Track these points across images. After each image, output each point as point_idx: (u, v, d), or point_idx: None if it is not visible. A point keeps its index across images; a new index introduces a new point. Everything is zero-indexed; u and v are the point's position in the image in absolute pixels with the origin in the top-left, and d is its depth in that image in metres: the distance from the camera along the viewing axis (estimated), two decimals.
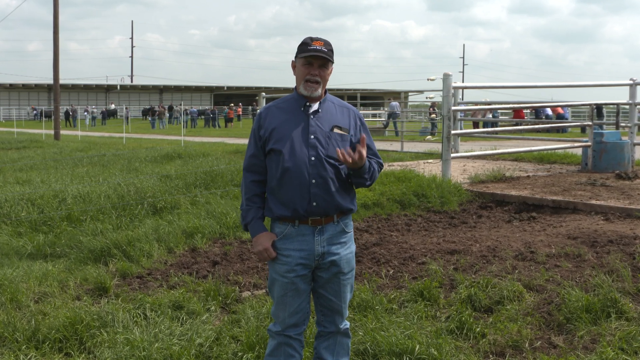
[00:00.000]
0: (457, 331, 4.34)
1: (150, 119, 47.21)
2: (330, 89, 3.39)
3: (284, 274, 3.23)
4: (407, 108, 33.12)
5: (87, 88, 68.86)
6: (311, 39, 3.24)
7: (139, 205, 8.55)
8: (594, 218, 7.69)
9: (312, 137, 3.20)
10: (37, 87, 65.82)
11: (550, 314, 4.58)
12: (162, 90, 71.80)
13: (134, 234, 6.93)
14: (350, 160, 3.12)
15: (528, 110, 27.37)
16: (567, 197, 8.62)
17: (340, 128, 3.26)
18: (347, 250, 3.32)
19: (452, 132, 10.52)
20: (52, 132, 29.46)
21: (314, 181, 3.17)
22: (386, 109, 30.28)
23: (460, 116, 18.05)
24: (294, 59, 3.32)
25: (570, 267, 5.62)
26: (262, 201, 3.32)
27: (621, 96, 39.92)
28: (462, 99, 27.25)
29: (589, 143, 11.65)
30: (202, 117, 51.48)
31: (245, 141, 20.70)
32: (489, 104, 23.17)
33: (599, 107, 23.28)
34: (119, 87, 70.18)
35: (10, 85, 64.26)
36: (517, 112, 26.31)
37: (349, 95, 46.54)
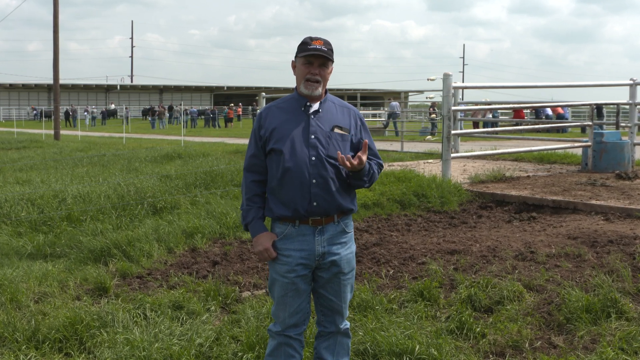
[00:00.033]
0: (457, 331, 4.34)
1: (150, 119, 47.21)
2: (330, 89, 3.39)
3: (285, 274, 3.23)
4: (407, 108, 33.12)
5: (87, 88, 68.86)
6: (311, 38, 3.24)
7: (139, 205, 8.55)
8: (594, 218, 7.69)
9: (313, 137, 3.20)
10: (37, 87, 65.83)
11: (550, 314, 4.58)
12: (162, 90, 71.81)
13: (134, 234, 6.93)
14: (349, 165, 3.12)
15: (528, 110, 27.36)
16: (567, 197, 8.62)
17: (340, 128, 3.26)
18: (348, 250, 3.32)
19: (452, 132, 10.52)
20: (52, 132, 29.46)
21: (314, 181, 3.17)
22: (386, 109, 30.28)
23: (460, 116, 18.06)
24: (294, 59, 3.32)
25: (570, 267, 5.62)
26: (262, 201, 3.32)
27: (621, 96, 40.00)
28: (462, 99, 27.27)
29: (589, 143, 11.65)
30: (202, 117, 51.49)
31: (245, 141, 20.69)
32: (489, 104, 23.17)
33: (599, 107, 23.29)
34: (119, 87, 70.19)
35: (10, 85, 64.27)
36: (517, 112, 26.31)
37: (349, 95, 46.54)
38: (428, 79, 18.49)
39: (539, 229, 7.31)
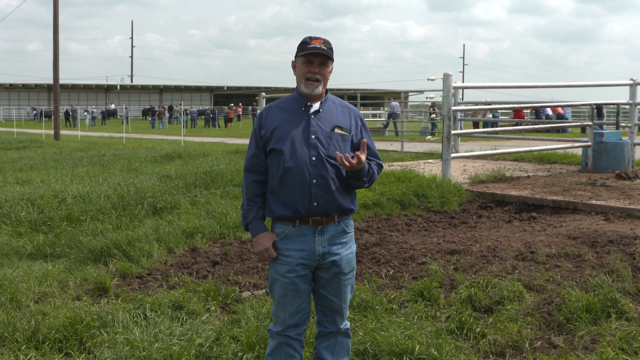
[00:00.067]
0: (457, 331, 4.34)
1: (150, 119, 47.21)
2: (330, 89, 3.39)
3: (285, 274, 3.23)
4: (407, 108, 33.13)
5: (87, 88, 68.86)
6: (310, 38, 3.24)
7: (139, 205, 8.55)
8: (594, 218, 7.69)
9: (313, 137, 3.20)
10: (37, 87, 65.83)
11: (550, 314, 4.58)
12: (162, 90, 71.80)
13: (134, 234, 6.93)
14: (348, 165, 3.12)
15: (528, 110, 27.37)
16: (567, 197, 8.62)
17: (341, 128, 3.26)
18: (348, 250, 3.32)
19: (452, 132, 10.52)
20: (52, 132, 29.46)
21: (314, 181, 3.17)
22: (386, 109, 30.28)
23: (461, 116, 18.05)
24: (294, 59, 3.32)
25: (570, 267, 5.62)
26: (263, 201, 3.31)
27: (621, 96, 40.01)
28: (462, 99, 27.27)
29: (589, 143, 11.65)
30: (202, 117, 51.49)
31: (245, 141, 20.67)
32: (489, 104, 23.17)
33: (599, 107, 23.29)
34: (119, 87, 70.19)
35: (10, 85, 64.26)
36: (517, 112, 26.32)
37: (349, 95, 46.55)
38: (428, 79, 18.51)
39: (539, 229, 7.31)
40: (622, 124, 13.25)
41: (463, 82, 74.06)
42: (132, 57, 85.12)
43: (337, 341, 3.42)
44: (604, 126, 15.67)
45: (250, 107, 56.39)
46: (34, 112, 60.28)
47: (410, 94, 30.68)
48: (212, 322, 4.63)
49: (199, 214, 7.90)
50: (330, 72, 3.29)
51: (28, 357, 4.05)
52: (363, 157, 3.15)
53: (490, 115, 25.91)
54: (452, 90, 10.83)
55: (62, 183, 10.60)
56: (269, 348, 3.36)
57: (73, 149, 19.46)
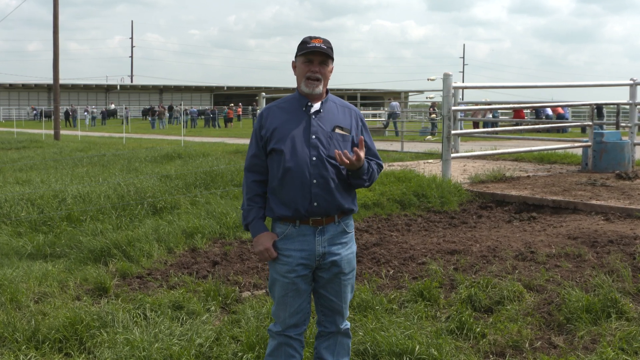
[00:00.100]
0: (457, 331, 4.34)
1: (150, 119, 47.22)
2: (330, 89, 3.39)
3: (285, 274, 3.23)
4: (407, 108, 33.13)
5: (87, 88, 68.86)
6: (310, 37, 3.25)
7: (139, 205, 8.55)
8: (594, 218, 7.69)
9: (314, 137, 3.20)
10: (37, 87, 65.83)
11: (550, 314, 4.58)
12: (162, 90, 71.81)
13: (134, 234, 6.92)
14: (347, 162, 3.12)
15: (528, 110, 27.37)
16: (568, 197, 8.62)
17: (341, 128, 3.26)
18: (348, 250, 3.32)
19: (452, 132, 10.52)
20: (52, 132, 29.46)
21: (315, 181, 3.17)
22: (386, 109, 30.28)
23: (461, 116, 18.05)
24: (294, 59, 3.32)
25: (570, 267, 5.62)
26: (263, 201, 3.31)
27: (621, 96, 39.99)
28: (462, 99, 27.26)
29: (589, 143, 11.65)
30: (202, 117, 51.49)
31: (245, 141, 20.66)
32: (489, 104, 23.17)
33: (599, 107, 23.29)
34: (119, 87, 70.19)
35: (10, 85, 64.26)
36: (517, 112, 26.32)
37: (349, 95, 46.54)
38: (428, 79, 18.50)
39: (539, 229, 7.31)
40: (622, 124, 13.26)
41: (463, 82, 74.07)
42: (132, 57, 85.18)
43: (337, 341, 3.42)
44: (604, 126, 15.67)
45: (250, 107, 56.39)
46: (34, 112, 60.28)
47: (410, 94, 30.70)
48: (212, 322, 4.63)
49: (199, 214, 7.90)
50: (331, 71, 3.29)
51: (28, 357, 4.05)
52: (362, 153, 3.15)
53: (490, 115, 25.91)
54: (452, 90, 10.83)
55: (62, 183, 10.60)
56: (269, 348, 3.36)
57: (73, 149, 19.46)
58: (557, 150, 13.64)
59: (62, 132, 30.74)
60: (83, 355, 4.13)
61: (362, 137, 3.22)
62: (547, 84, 21.55)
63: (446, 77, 10.43)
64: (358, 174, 3.22)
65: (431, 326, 4.43)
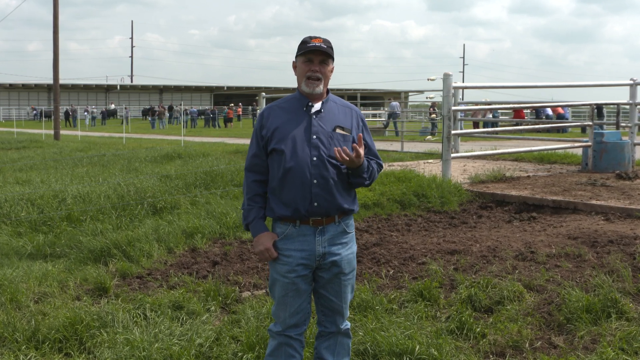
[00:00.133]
0: (457, 331, 4.34)
1: (150, 119, 47.23)
2: (330, 89, 3.38)
3: (285, 274, 3.22)
4: (407, 108, 33.13)
5: (87, 88, 68.85)
6: (310, 37, 3.25)
7: (139, 205, 8.54)
8: (595, 218, 7.69)
9: (315, 137, 3.20)
10: (37, 87, 65.82)
11: (550, 314, 4.57)
12: (162, 90, 71.80)
13: (134, 234, 6.92)
14: (347, 158, 3.12)
15: (528, 110, 27.37)
16: (568, 197, 8.62)
17: (342, 128, 3.26)
18: (348, 250, 3.32)
19: (452, 132, 10.52)
20: (52, 132, 29.46)
21: (315, 181, 3.17)
22: (386, 109, 30.28)
23: (461, 116, 18.05)
24: (294, 60, 3.32)
25: (570, 267, 5.62)
26: (263, 201, 3.31)
27: (621, 96, 39.98)
28: (462, 99, 27.27)
29: (589, 143, 11.65)
30: (202, 117, 51.49)
31: (245, 141, 20.64)
32: (489, 104, 23.16)
33: (599, 107, 23.28)
34: (119, 87, 70.19)
35: (10, 85, 64.25)
36: (517, 112, 26.32)
37: (349, 95, 46.52)
38: (428, 79, 18.49)
39: (539, 229, 7.31)
40: (622, 124, 13.25)
41: (463, 82, 74.06)
42: (132, 57, 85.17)
43: (337, 341, 3.42)
44: (604, 126, 15.66)
45: (250, 107, 56.38)
46: (34, 112, 60.27)
47: (410, 94, 30.70)
48: (212, 322, 4.63)
49: (199, 214, 7.90)
50: (331, 71, 3.29)
51: (28, 357, 4.05)
52: (361, 150, 3.15)
53: (490, 115, 25.91)
54: (452, 90, 10.83)
55: (62, 183, 10.60)
56: (269, 348, 3.36)
57: (73, 149, 19.46)
58: (557, 150, 13.64)
59: (62, 132, 30.75)
60: (83, 355, 4.13)
61: (361, 134, 3.21)
62: (547, 84, 21.55)
63: (446, 77, 10.43)
64: (358, 172, 3.22)
65: (431, 326, 4.43)
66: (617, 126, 13.03)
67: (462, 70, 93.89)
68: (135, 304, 4.93)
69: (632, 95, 12.50)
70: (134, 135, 30.58)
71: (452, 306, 4.78)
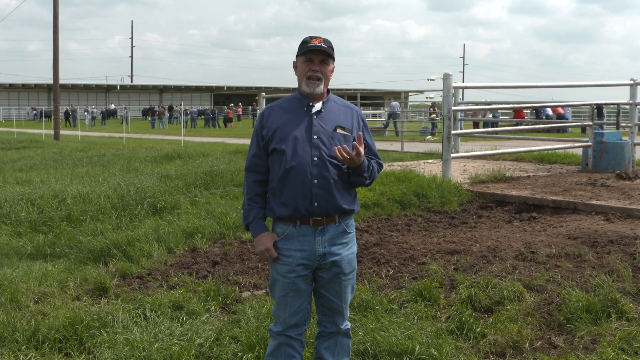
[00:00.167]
0: (457, 331, 4.34)
1: (150, 119, 47.23)
2: (330, 89, 3.38)
3: (285, 274, 3.22)
4: (407, 108, 33.13)
5: (87, 88, 68.85)
6: (310, 37, 3.25)
7: (138, 205, 8.54)
8: (595, 218, 7.69)
9: (315, 137, 3.20)
10: (37, 87, 65.81)
11: (550, 314, 4.57)
12: (162, 90, 71.80)
13: (134, 234, 6.92)
14: (348, 157, 3.11)
15: (528, 110, 27.37)
16: (568, 197, 8.62)
17: (343, 128, 3.26)
18: (349, 250, 3.32)
19: (453, 132, 10.52)
20: (52, 132, 29.46)
21: (316, 181, 3.17)
22: (386, 109, 30.28)
23: (461, 116, 18.06)
24: (294, 60, 3.32)
25: (570, 267, 5.62)
26: (263, 201, 3.31)
27: (621, 96, 39.95)
28: (462, 99, 27.27)
29: (590, 143, 11.65)
30: (202, 117, 51.49)
31: (245, 141, 20.65)
32: (489, 104, 23.16)
33: (599, 107, 23.29)
34: (118, 87, 70.18)
35: (10, 85, 64.25)
36: (518, 112, 26.32)
37: (349, 95, 46.52)
38: (428, 79, 18.49)
39: (539, 229, 7.30)
40: (623, 124, 13.25)
41: (463, 82, 74.06)
42: (132, 57, 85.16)
43: (337, 341, 3.42)
44: (604, 126, 15.66)
45: (250, 107, 56.38)
46: (34, 112, 60.27)
47: (410, 94, 30.72)
48: (212, 322, 4.62)
49: (199, 214, 7.90)
50: (332, 71, 3.29)
51: (28, 357, 4.05)
52: (361, 148, 3.15)
53: (491, 115, 25.91)
54: (452, 90, 10.83)
55: (62, 183, 10.60)
56: (269, 348, 3.36)
57: (73, 149, 19.46)
58: (557, 150, 13.63)
59: (62, 132, 30.74)
60: (83, 355, 4.13)
61: (360, 133, 3.21)
62: (547, 84, 21.56)
63: (446, 77, 10.43)
64: (359, 171, 3.22)
65: (431, 326, 4.43)
66: (617, 126, 13.03)
67: (462, 70, 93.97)
68: (135, 304, 4.92)
69: (632, 95, 12.50)
70: (134, 135, 30.58)
71: (452, 306, 4.78)
